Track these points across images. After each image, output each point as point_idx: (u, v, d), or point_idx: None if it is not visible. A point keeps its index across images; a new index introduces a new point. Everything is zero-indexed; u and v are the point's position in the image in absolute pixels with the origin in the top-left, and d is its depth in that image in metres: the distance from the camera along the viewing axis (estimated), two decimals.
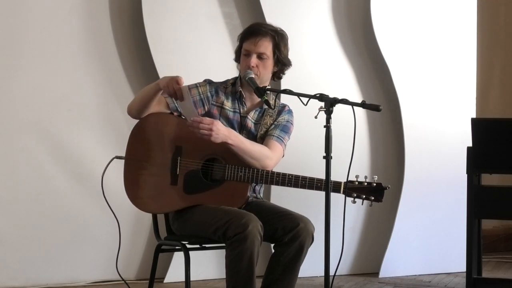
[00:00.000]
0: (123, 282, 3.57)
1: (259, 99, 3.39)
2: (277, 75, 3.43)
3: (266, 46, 3.33)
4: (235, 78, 3.44)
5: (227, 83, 3.43)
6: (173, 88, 3.13)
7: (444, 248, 5.07)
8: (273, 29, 3.38)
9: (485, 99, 6.05)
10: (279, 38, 3.37)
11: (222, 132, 3.17)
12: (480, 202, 4.26)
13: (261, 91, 3.20)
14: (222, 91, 3.39)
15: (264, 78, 3.36)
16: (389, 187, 3.22)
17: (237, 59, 3.43)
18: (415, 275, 5.02)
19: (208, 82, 3.39)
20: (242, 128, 3.37)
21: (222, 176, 3.25)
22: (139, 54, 4.75)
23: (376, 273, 5.01)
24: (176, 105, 3.29)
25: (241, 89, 3.39)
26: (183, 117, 3.29)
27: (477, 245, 4.43)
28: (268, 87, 3.22)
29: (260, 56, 3.33)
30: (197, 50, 4.69)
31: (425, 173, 5.03)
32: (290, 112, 3.48)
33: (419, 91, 5.05)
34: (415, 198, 5.03)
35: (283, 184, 3.24)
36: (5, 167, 4.46)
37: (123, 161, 3.32)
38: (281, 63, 3.40)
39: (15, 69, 4.49)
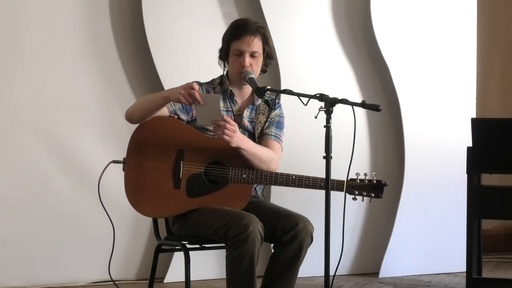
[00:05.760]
0: (122, 282, 3.57)
1: (248, 95, 3.43)
2: (262, 69, 3.44)
3: (258, 44, 3.34)
4: (221, 77, 3.45)
5: (213, 83, 3.44)
6: (190, 95, 3.13)
7: (444, 248, 5.07)
8: (260, 25, 3.40)
9: (485, 99, 6.05)
10: (266, 34, 3.39)
11: (239, 137, 3.21)
12: (480, 202, 4.26)
13: (261, 91, 3.21)
14: (212, 92, 3.40)
15: (256, 75, 3.38)
16: (387, 183, 3.28)
17: (223, 58, 3.43)
18: (415, 275, 5.02)
19: (199, 83, 3.39)
20: (238, 127, 3.38)
21: (226, 179, 3.26)
22: (139, 54, 4.75)
23: (376, 273, 5.01)
24: (175, 108, 3.30)
25: (230, 88, 3.40)
26: (195, 121, 3.29)
27: (477, 245, 4.43)
28: (268, 87, 3.22)
29: (252, 55, 3.34)
30: (197, 50, 4.69)
31: (425, 173, 5.03)
32: (279, 105, 3.50)
33: (419, 91, 5.05)
34: (415, 198, 5.03)
35: (286, 184, 3.26)
36: (5, 167, 4.47)
37: (122, 158, 3.31)
38: (269, 58, 3.43)
39: (15, 69, 4.49)
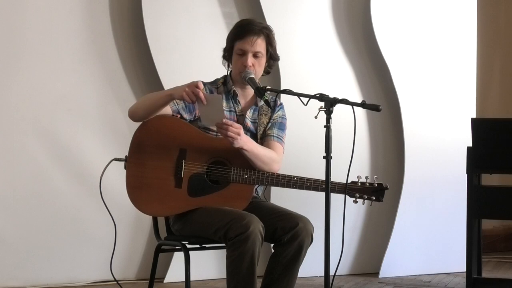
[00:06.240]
0: (122, 282, 3.57)
1: (251, 96, 3.43)
2: (266, 71, 3.44)
3: (261, 45, 3.34)
4: (225, 77, 3.45)
5: (217, 83, 3.44)
6: (194, 94, 3.13)
7: (444, 248, 5.07)
8: (264, 26, 3.39)
9: (485, 99, 6.05)
10: (270, 35, 3.38)
11: (243, 138, 3.20)
12: (480, 202, 4.26)
13: (261, 91, 3.20)
14: (215, 92, 3.39)
15: (259, 76, 3.38)
16: (388, 187, 3.27)
17: (227, 57, 3.43)
18: (415, 275, 5.03)
19: (203, 83, 3.38)
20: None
21: (227, 179, 3.26)
22: (139, 54, 4.75)
23: (376, 273, 5.01)
24: (178, 107, 3.30)
25: (234, 88, 3.40)
26: (198, 119, 3.28)
27: (477, 245, 4.43)
28: (268, 87, 3.22)
29: (255, 55, 3.33)
30: (197, 50, 4.69)
31: (425, 173, 5.03)
32: (282, 107, 3.50)
33: (419, 91, 5.05)
34: (415, 198, 5.03)
35: (288, 186, 3.26)
36: (5, 167, 4.46)
37: (124, 156, 3.31)
38: (273, 59, 3.42)
39: (15, 69, 4.49)
